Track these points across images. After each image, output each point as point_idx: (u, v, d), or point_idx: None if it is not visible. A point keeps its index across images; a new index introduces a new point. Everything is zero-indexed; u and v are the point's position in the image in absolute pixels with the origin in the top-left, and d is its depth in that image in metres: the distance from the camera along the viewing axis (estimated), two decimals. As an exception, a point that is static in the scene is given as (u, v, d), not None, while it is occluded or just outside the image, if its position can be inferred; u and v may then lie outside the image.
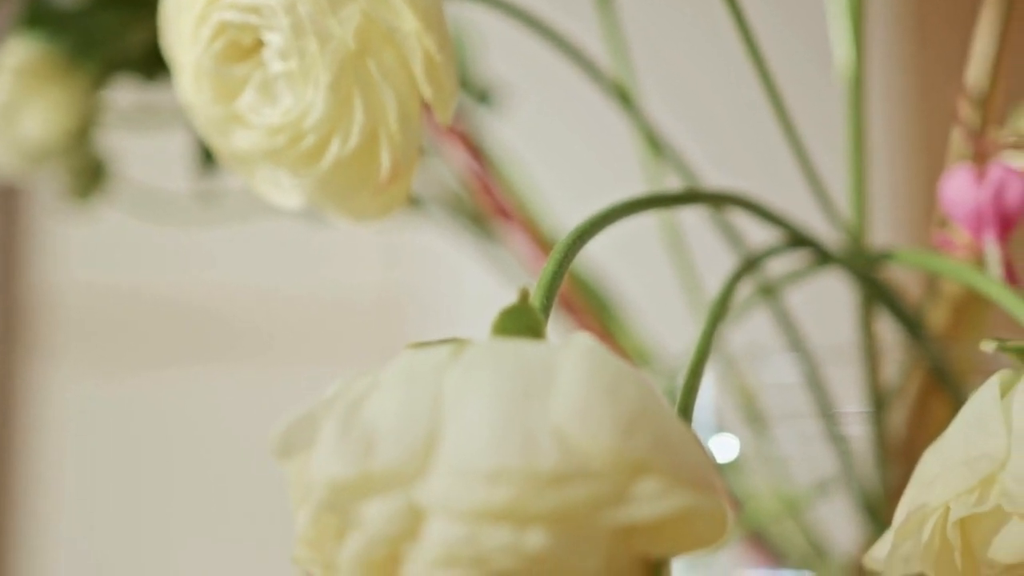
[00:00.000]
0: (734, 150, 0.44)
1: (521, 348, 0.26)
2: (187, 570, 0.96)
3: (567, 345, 0.26)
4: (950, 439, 0.31)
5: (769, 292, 0.42)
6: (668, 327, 0.47)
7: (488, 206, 0.45)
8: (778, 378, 0.45)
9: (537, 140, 0.56)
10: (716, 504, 0.25)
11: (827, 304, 0.45)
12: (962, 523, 0.30)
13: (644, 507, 0.24)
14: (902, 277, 0.44)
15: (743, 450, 0.46)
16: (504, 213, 0.44)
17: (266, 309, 0.90)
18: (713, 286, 0.35)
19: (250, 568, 0.91)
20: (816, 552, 0.44)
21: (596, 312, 0.45)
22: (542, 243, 0.46)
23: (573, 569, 0.24)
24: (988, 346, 0.32)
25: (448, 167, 0.47)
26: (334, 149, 0.33)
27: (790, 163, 0.39)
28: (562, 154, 0.59)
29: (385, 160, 0.33)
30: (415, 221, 0.48)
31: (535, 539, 0.24)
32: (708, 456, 0.26)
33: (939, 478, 0.30)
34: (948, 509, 0.30)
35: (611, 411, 0.24)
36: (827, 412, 0.44)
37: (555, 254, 0.30)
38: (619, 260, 0.50)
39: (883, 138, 0.56)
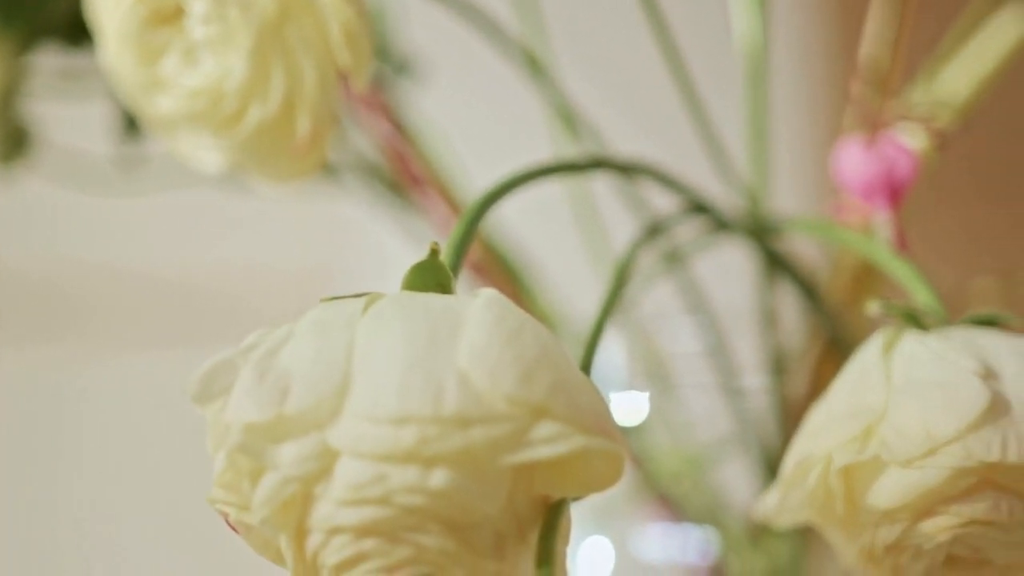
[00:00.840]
0: (648, 120, 0.46)
1: (430, 300, 0.27)
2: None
3: (473, 298, 0.27)
4: (835, 393, 0.33)
5: (675, 258, 0.43)
6: (580, 293, 0.48)
7: (405, 176, 0.46)
8: (685, 342, 0.47)
9: (457, 110, 0.57)
10: (611, 447, 0.26)
11: (738, 271, 0.47)
12: (844, 472, 0.32)
13: (542, 449, 0.26)
14: (810, 247, 0.46)
15: (651, 410, 0.48)
16: (420, 182, 0.46)
17: (181, 284, 0.90)
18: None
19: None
20: (717, 508, 0.46)
21: (508, 276, 0.47)
22: (458, 211, 0.47)
23: (476, 508, 0.26)
24: (874, 308, 0.34)
25: (367, 138, 0.48)
26: (254, 113, 0.34)
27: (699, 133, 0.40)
28: (482, 124, 0.61)
29: (303, 125, 0.34)
30: (335, 192, 0.49)
31: (439, 479, 0.25)
32: (604, 403, 0.27)
33: (824, 429, 0.32)
34: (831, 458, 0.32)
35: (512, 358, 0.26)
36: (730, 376, 0.45)
37: (464, 216, 0.31)
38: (533, 227, 0.51)
39: (791, 108, 0.57)
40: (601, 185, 0.45)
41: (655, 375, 0.47)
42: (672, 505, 0.47)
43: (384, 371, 0.26)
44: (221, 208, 0.74)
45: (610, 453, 0.26)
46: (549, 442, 0.26)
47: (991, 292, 0.43)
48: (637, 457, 0.47)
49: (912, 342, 0.33)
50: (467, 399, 0.25)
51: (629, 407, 0.47)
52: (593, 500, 0.48)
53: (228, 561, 0.57)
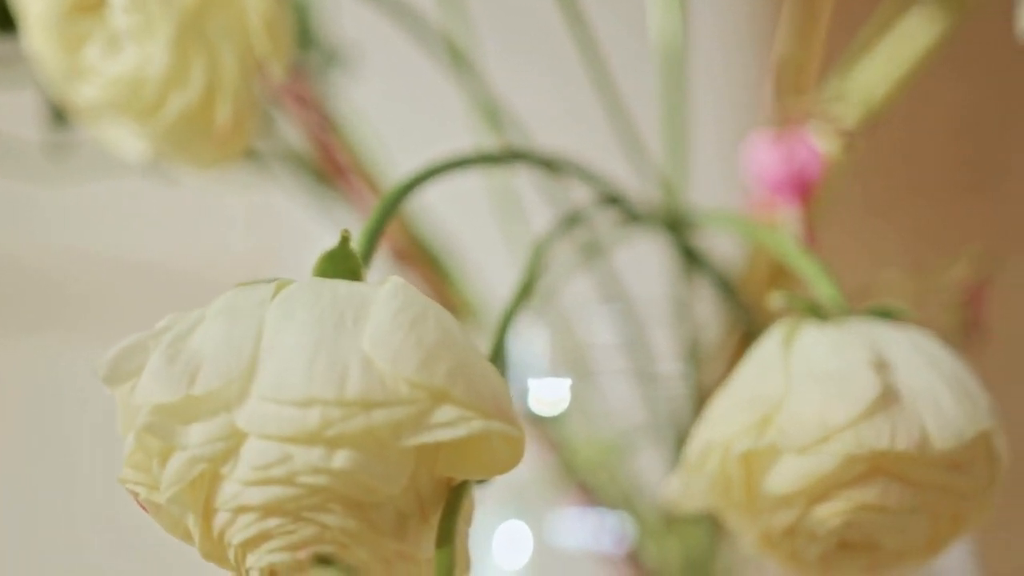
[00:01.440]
0: (573, 113, 0.47)
1: (338, 287, 0.28)
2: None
3: (380, 284, 0.28)
4: (736, 382, 0.34)
5: (593, 250, 0.44)
6: (503, 282, 0.49)
7: (330, 166, 0.47)
8: (604, 332, 0.48)
9: (385, 101, 0.58)
10: (510, 430, 0.27)
11: (658, 263, 0.48)
12: (743, 458, 0.33)
13: (442, 432, 0.26)
14: (728, 240, 0.47)
15: (572, 399, 0.49)
16: (345, 172, 0.46)
17: (115, 275, 0.90)
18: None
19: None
20: (633, 495, 0.47)
21: (432, 265, 0.48)
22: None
23: (378, 488, 0.27)
24: (777, 300, 0.35)
25: (294, 127, 0.48)
26: (174, 101, 0.35)
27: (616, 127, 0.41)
28: (409, 115, 0.61)
29: (223, 113, 0.35)
30: (264, 183, 0.50)
31: (342, 459, 0.26)
32: (505, 389, 0.28)
33: (724, 417, 0.33)
34: (731, 445, 0.33)
35: (414, 343, 0.27)
36: (648, 366, 0.46)
37: (379, 205, 0.32)
38: (459, 217, 0.52)
39: (714, 102, 0.58)
40: (525, 178, 0.46)
41: (574, 364, 0.48)
42: (589, 492, 0.48)
43: (290, 354, 0.27)
44: (155, 196, 0.74)
45: (509, 436, 0.27)
46: (449, 425, 0.26)
47: (898, 285, 0.44)
48: (556, 444, 0.48)
49: (810, 333, 0.34)
50: (370, 382, 0.26)
51: (550, 394, 0.48)
52: (512, 486, 0.49)
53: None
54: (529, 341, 0.48)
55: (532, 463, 0.48)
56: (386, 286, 0.28)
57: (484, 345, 0.31)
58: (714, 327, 0.46)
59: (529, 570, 0.48)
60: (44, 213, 0.85)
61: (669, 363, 0.46)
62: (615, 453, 0.48)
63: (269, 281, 0.29)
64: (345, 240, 0.30)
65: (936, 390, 0.32)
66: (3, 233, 0.89)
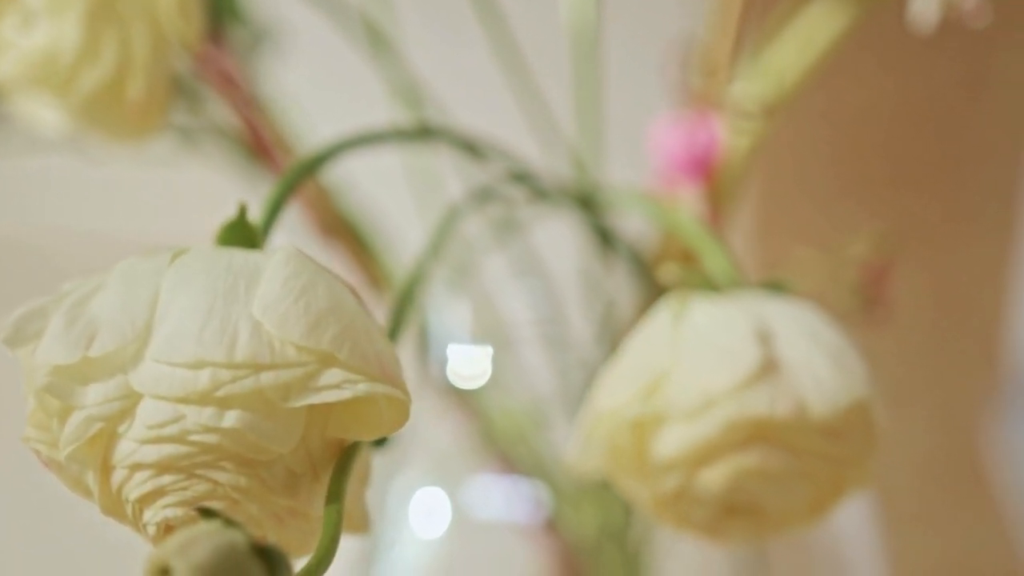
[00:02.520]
0: (491, 94, 0.48)
1: (233, 255, 0.29)
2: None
3: (274, 253, 0.29)
4: (628, 353, 0.35)
5: (509, 226, 0.45)
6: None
7: (256, 143, 0.48)
8: (522, 307, 0.49)
9: (313, 80, 0.59)
10: (395, 393, 0.28)
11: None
12: (632, 425, 0.34)
13: (327, 394, 0.28)
14: (642, 219, 0.48)
15: (491, 371, 0.50)
16: (269, 150, 0.47)
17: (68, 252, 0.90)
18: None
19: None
20: (550, 464, 0.49)
21: (356, 240, 0.49)
22: (307, 186, 0.49)
23: (268, 447, 0.28)
24: (670, 272, 0.36)
25: (222, 104, 0.49)
26: (87, 76, 0.36)
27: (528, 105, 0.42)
28: (336, 93, 0.62)
29: (135, 88, 0.36)
30: (193, 160, 0.51)
31: (231, 419, 0.27)
32: (393, 354, 0.29)
33: (615, 386, 0.35)
34: (620, 413, 0.34)
35: (302, 309, 0.28)
36: (563, 339, 0.48)
37: (282, 179, 0.33)
38: (384, 195, 0.53)
39: (628, 82, 0.59)
40: (446, 158, 0.47)
41: (493, 337, 0.49)
42: (507, 461, 0.49)
43: (184, 318, 0.28)
44: (90, 173, 0.74)
45: (394, 399, 0.29)
46: (335, 388, 0.28)
47: (811, 262, 0.46)
48: (475, 414, 0.49)
49: (699, 306, 0.35)
50: (259, 346, 0.27)
51: (470, 365, 0.49)
52: (431, 454, 0.51)
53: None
54: (450, 314, 0.49)
55: (451, 432, 0.49)
56: (278, 255, 0.29)
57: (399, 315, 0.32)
58: (627, 302, 0.47)
59: (447, 538, 0.50)
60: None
61: (583, 337, 0.47)
62: (532, 423, 0.49)
63: (166, 250, 0.30)
64: (243, 211, 0.31)
65: (815, 361, 0.33)
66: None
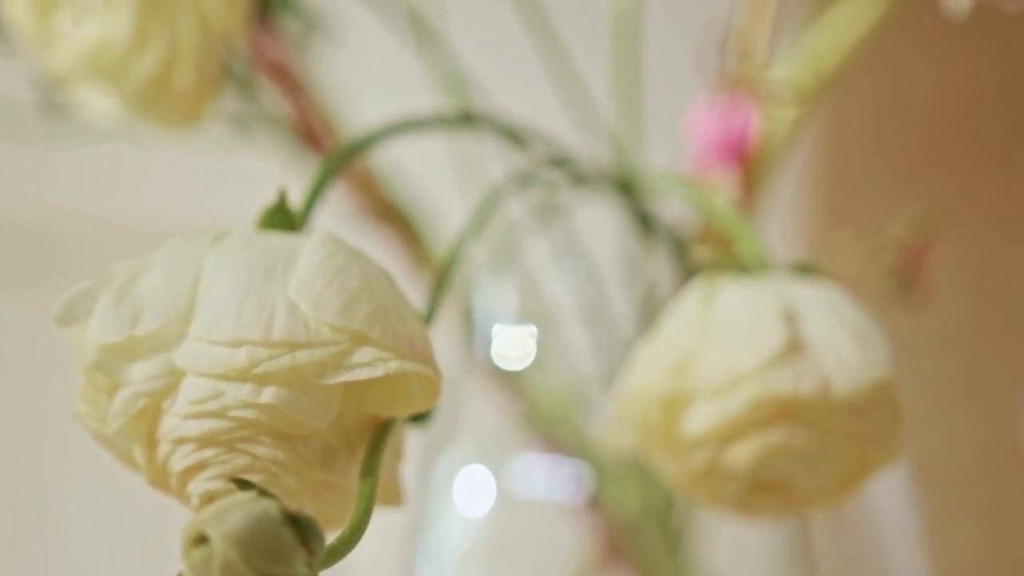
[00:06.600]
0: (534, 80, 0.49)
1: (272, 238, 0.31)
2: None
3: (309, 236, 0.31)
4: (660, 333, 0.36)
5: (553, 210, 0.46)
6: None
7: (305, 132, 0.49)
8: (566, 289, 0.50)
9: (364, 69, 0.60)
10: (425, 370, 0.30)
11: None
12: (662, 403, 0.35)
13: (360, 371, 0.29)
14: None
15: (536, 352, 0.51)
16: (319, 139, 0.49)
17: (106, 236, 0.91)
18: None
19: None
20: (592, 443, 0.50)
21: (404, 225, 0.50)
22: (357, 172, 0.50)
23: (304, 422, 0.29)
24: (703, 253, 0.37)
25: (274, 93, 0.51)
26: (138, 66, 0.37)
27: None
28: (384, 81, 0.64)
29: (184, 77, 0.37)
30: (242, 146, 0.52)
31: (269, 395, 0.28)
32: (424, 333, 0.31)
33: (647, 364, 0.36)
34: (651, 390, 0.35)
35: (336, 290, 0.29)
36: (606, 321, 0.49)
37: (323, 165, 0.34)
38: (433, 182, 0.54)
39: (670, 66, 0.60)
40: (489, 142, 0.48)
41: (537, 319, 0.50)
42: (552, 440, 0.50)
43: (224, 299, 0.29)
44: (145, 161, 0.76)
45: (424, 377, 0.30)
46: (367, 365, 0.29)
47: (848, 245, 0.46)
48: (520, 394, 0.50)
49: (729, 287, 0.36)
50: (294, 325, 0.29)
51: (516, 345, 0.50)
52: (476, 433, 0.52)
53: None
54: (495, 297, 0.50)
55: (496, 412, 0.51)
56: (313, 238, 0.30)
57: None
58: (667, 283, 0.48)
59: (491, 516, 0.51)
60: (39, 175, 0.87)
61: (625, 317, 0.48)
62: (575, 403, 0.50)
63: (209, 232, 0.31)
64: (283, 196, 0.32)
65: (839, 341, 0.34)
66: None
